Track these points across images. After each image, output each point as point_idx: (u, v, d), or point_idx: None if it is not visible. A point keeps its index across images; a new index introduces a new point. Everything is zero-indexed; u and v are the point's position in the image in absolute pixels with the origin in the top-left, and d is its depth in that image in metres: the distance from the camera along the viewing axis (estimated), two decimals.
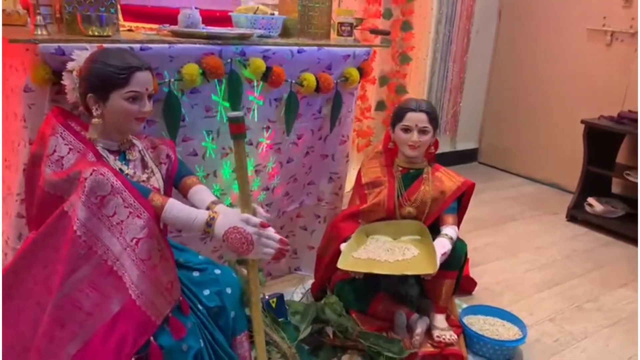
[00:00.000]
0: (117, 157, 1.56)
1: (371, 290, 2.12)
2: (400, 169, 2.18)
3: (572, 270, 2.91)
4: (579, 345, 2.24)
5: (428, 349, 1.99)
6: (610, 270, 2.94)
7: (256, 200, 2.29)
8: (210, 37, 1.93)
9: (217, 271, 1.70)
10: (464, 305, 2.35)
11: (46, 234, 1.46)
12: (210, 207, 1.54)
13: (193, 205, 1.55)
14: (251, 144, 2.16)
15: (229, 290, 1.67)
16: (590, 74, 3.94)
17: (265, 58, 2.02)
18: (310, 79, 2.13)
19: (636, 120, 3.39)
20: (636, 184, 3.32)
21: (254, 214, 1.47)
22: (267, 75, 2.02)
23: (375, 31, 2.55)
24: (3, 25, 2.02)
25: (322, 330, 2.03)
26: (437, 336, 1.99)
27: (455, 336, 2.01)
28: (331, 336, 1.99)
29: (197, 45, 1.88)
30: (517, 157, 4.56)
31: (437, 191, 2.13)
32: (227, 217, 1.45)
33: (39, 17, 1.71)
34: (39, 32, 1.70)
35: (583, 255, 3.11)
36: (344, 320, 2.01)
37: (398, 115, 2.12)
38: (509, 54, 4.52)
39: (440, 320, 2.07)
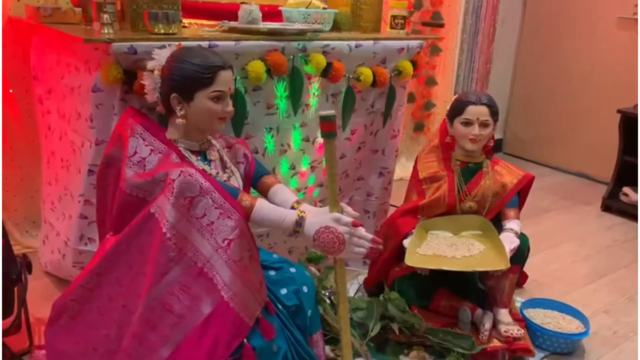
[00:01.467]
0: (198, 158, 1.53)
1: (432, 286, 2.11)
2: (458, 163, 2.16)
3: (617, 261, 2.90)
4: (637, 337, 2.23)
5: (496, 344, 1.98)
6: None
7: (311, 197, 2.27)
8: (272, 34, 1.91)
9: (292, 269, 1.69)
10: (518, 299, 2.34)
11: (131, 236, 1.45)
12: (294, 206, 1.53)
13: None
14: (307, 140, 2.14)
15: (305, 289, 1.66)
16: (620, 63, 3.92)
17: (324, 53, 2.00)
18: (367, 73, 2.10)
19: None
20: None
21: (342, 212, 1.46)
22: (327, 71, 2.00)
23: (428, 23, 2.53)
24: (59, 24, 2.00)
25: (386, 326, 2.01)
26: (505, 331, 1.98)
27: (522, 330, 2.00)
28: (397, 332, 1.98)
29: (261, 42, 1.85)
30: (542, 147, 4.54)
31: (498, 185, 2.11)
32: (317, 217, 1.43)
33: (106, 16, 1.68)
34: (107, 31, 1.68)
35: (624, 246, 3.10)
36: (409, 317, 1.99)
37: (457, 109, 2.09)
38: (534, 44, 4.49)
39: (504, 314, 2.06)
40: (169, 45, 1.53)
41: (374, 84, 2.14)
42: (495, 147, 4.85)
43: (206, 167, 1.52)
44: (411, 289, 2.11)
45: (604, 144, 3.99)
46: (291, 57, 1.92)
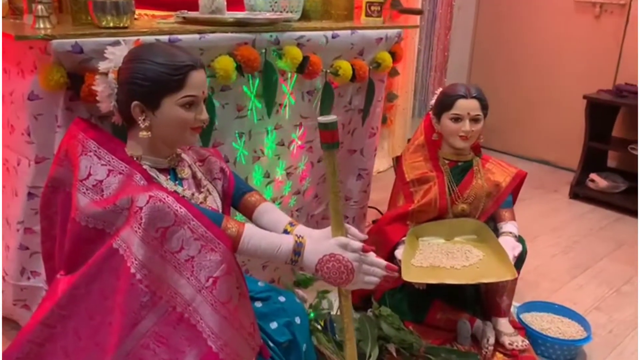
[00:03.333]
0: (167, 177, 1.27)
1: (426, 297, 1.93)
2: (447, 162, 1.99)
3: (596, 251, 2.83)
4: (634, 334, 2.15)
5: (500, 358, 1.82)
6: (631, 247, 2.88)
7: (287, 206, 2.04)
8: (239, 24, 1.65)
9: (282, 298, 1.46)
10: (514, 303, 2.21)
11: (90, 277, 1.18)
12: (287, 229, 1.29)
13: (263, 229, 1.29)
14: (282, 144, 1.91)
15: (298, 320, 1.44)
16: (580, 48, 3.87)
17: (299, 46, 1.76)
18: (345, 67, 1.89)
19: (635, 92, 3.34)
20: (636, 157, 3.29)
21: (346, 235, 1.24)
22: (303, 66, 1.76)
23: (405, 10, 2.33)
24: None
25: (381, 347, 1.82)
26: (510, 343, 1.83)
27: (526, 341, 1.86)
28: (394, 354, 1.79)
29: (230, 35, 1.60)
30: (503, 135, 4.46)
31: (491, 185, 1.95)
32: (319, 243, 1.20)
33: (40, 7, 1.38)
34: (42, 25, 1.38)
35: (601, 234, 3.04)
36: (405, 335, 1.81)
37: (445, 104, 1.91)
38: (491, 29, 4.39)
39: (505, 324, 1.90)
40: (125, 41, 1.25)
41: (353, 78, 1.93)
42: None
43: (178, 188, 1.26)
44: (404, 303, 1.92)
45: (566, 130, 3.96)
46: (263, 50, 1.68)
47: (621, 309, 2.32)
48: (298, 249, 1.20)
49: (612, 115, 3.62)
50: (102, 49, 1.33)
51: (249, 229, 1.20)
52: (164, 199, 1.13)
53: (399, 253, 1.83)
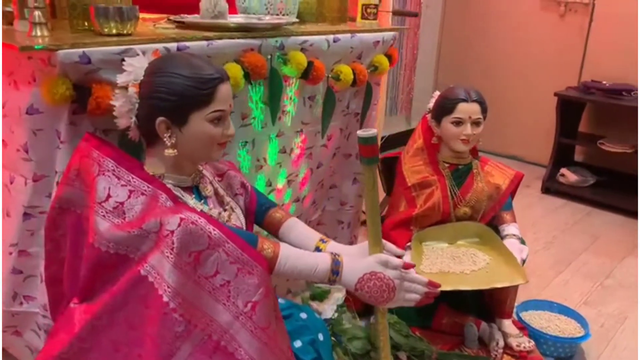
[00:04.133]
0: (192, 196, 1.20)
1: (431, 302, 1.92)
2: (447, 165, 1.98)
3: (575, 246, 2.91)
4: (624, 327, 2.21)
5: None
6: (607, 240, 2.98)
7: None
8: (243, 30, 1.58)
9: (303, 315, 1.42)
10: None
11: (114, 307, 1.10)
12: (319, 247, 1.25)
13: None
14: (284, 152, 1.85)
15: (321, 337, 1.41)
16: (545, 46, 3.96)
17: (302, 51, 1.71)
18: (347, 71, 1.84)
19: (603, 89, 3.45)
20: (604, 151, 3.40)
21: (383, 251, 1.20)
22: (307, 72, 1.71)
23: (399, 12, 2.30)
24: None
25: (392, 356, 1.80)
26: (517, 345, 1.85)
27: (532, 342, 1.88)
28: None
29: (236, 41, 1.53)
30: None
31: (491, 187, 1.96)
32: (358, 261, 1.16)
33: (37, 14, 1.28)
34: (40, 33, 1.28)
35: (576, 228, 3.13)
36: (415, 342, 1.80)
37: (446, 107, 1.90)
38: (459, 28, 4.44)
39: (510, 325, 1.92)
40: (143, 52, 1.16)
41: (353, 82, 1.89)
42: None
43: (204, 208, 1.19)
44: (410, 308, 1.87)
45: (534, 126, 4.06)
46: (269, 56, 1.61)
47: (607, 303, 2.39)
48: (336, 268, 1.15)
49: (579, 112, 3.73)
50: (111, 59, 1.25)
51: (285, 249, 1.15)
52: (196, 221, 1.06)
53: (407, 259, 1.80)
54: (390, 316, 1.85)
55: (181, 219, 1.06)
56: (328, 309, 1.82)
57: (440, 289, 1.70)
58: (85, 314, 1.14)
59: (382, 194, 2.88)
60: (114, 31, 1.35)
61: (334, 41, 1.80)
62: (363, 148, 1.09)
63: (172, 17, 1.70)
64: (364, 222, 2.61)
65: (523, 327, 1.99)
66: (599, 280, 2.57)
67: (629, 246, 2.92)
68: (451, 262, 1.81)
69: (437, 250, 1.89)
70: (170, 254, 1.05)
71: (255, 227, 1.37)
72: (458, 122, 1.88)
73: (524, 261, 1.79)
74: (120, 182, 1.12)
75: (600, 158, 3.69)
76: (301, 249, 1.23)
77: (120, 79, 1.12)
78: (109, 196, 1.11)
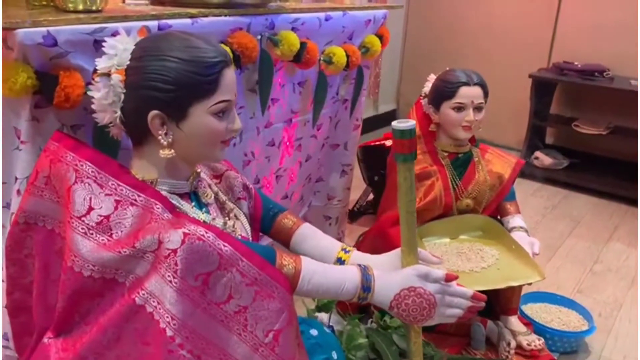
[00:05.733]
0: (191, 204, 1.00)
1: None
2: (446, 154, 1.84)
3: (559, 231, 2.85)
4: (621, 315, 2.16)
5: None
6: (589, 223, 2.94)
7: None
8: (226, 6, 1.38)
9: (314, 332, 1.25)
10: None
11: (103, 344, 0.91)
12: (341, 257, 1.07)
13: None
14: (273, 144, 1.66)
15: (335, 355, 1.23)
16: (513, 28, 3.88)
17: (294, 30, 1.52)
18: (340, 53, 1.67)
19: (576, 70, 3.40)
20: (576, 133, 3.38)
21: (417, 260, 1.04)
22: (299, 54, 1.52)
23: None
24: None
25: None
26: (527, 344, 1.74)
27: (542, 339, 1.77)
28: None
29: (223, 18, 1.32)
30: None
31: (494, 177, 1.84)
32: (391, 275, 1.00)
33: None
34: None
35: (557, 213, 3.08)
36: (423, 347, 1.65)
37: (446, 92, 1.76)
38: (425, 10, 4.31)
39: (516, 323, 1.81)
40: (128, 32, 0.95)
41: (346, 66, 1.71)
42: (389, 118, 4.73)
43: (206, 217, 1.00)
44: None
45: (504, 110, 3.98)
46: (258, 37, 1.42)
47: (601, 290, 2.33)
48: (367, 284, 0.98)
49: (550, 94, 3.68)
50: (82, 40, 1.04)
51: (307, 264, 0.97)
52: (203, 236, 0.87)
53: None
54: (393, 320, 1.71)
55: (185, 235, 0.86)
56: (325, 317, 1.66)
57: None
58: (65, 352, 0.94)
59: (363, 185, 2.75)
60: (81, 7, 1.13)
61: (326, 19, 1.62)
62: (399, 143, 0.93)
63: None
64: (350, 216, 2.46)
65: (528, 322, 1.88)
66: (589, 266, 2.52)
67: (610, 229, 2.89)
68: (458, 260, 1.68)
69: (440, 246, 1.76)
70: (174, 277, 0.86)
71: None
72: (459, 108, 1.74)
73: (537, 255, 1.68)
74: (104, 191, 0.92)
75: (572, 140, 3.66)
76: (319, 260, 1.05)
77: (101, 64, 0.91)
78: (90, 209, 0.91)
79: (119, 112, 0.92)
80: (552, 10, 3.71)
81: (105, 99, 0.91)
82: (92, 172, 0.92)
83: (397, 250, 1.06)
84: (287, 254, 0.98)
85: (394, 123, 0.92)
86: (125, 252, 0.88)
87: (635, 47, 3.33)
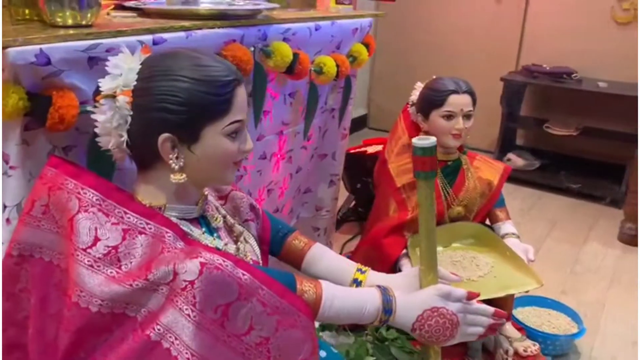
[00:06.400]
0: (202, 230, 0.95)
1: None
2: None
3: (537, 233, 2.89)
4: (606, 315, 2.20)
5: None
6: (564, 225, 2.99)
7: None
8: (217, 17, 1.33)
9: (322, 353, 1.21)
10: None
11: None
12: (358, 279, 1.04)
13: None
14: (264, 158, 1.62)
15: None
16: (482, 33, 3.93)
17: (285, 41, 1.48)
18: (330, 64, 1.63)
19: (545, 73, 3.47)
20: (546, 134, 3.44)
21: (437, 279, 1.01)
22: (292, 66, 1.48)
23: None
24: None
25: None
26: (524, 350, 1.74)
27: (537, 344, 1.78)
28: None
29: (217, 31, 1.27)
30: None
31: (483, 184, 1.84)
32: (412, 295, 0.97)
33: None
34: None
35: (533, 214, 3.13)
36: (420, 358, 1.64)
37: (436, 100, 1.75)
38: (395, 16, 4.32)
39: (511, 329, 1.81)
40: (129, 47, 0.89)
41: (337, 75, 1.68)
42: (359, 123, 4.73)
43: (218, 243, 0.95)
44: None
45: (475, 113, 4.01)
46: (251, 48, 1.37)
47: (583, 291, 2.37)
48: (388, 306, 0.95)
49: (520, 96, 3.75)
50: (76, 58, 0.98)
51: (328, 288, 0.94)
52: (221, 265, 0.83)
53: (407, 269, 1.64)
54: (390, 332, 1.69)
55: (202, 265, 0.81)
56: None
57: None
58: None
59: (345, 192, 2.72)
60: (70, 21, 1.06)
61: (316, 29, 1.59)
62: (420, 160, 0.90)
63: (125, 3, 1.41)
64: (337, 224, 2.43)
65: (520, 327, 1.89)
66: (569, 267, 2.56)
67: (585, 229, 2.94)
68: (453, 269, 1.66)
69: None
70: (192, 311, 0.81)
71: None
72: (449, 116, 1.74)
73: (532, 261, 1.68)
74: (110, 220, 0.86)
75: (542, 141, 3.73)
76: (334, 282, 1.02)
77: (105, 85, 0.85)
78: (96, 239, 0.85)
79: (125, 136, 0.86)
80: (519, 15, 3.78)
81: (110, 122, 0.85)
82: (97, 200, 0.86)
83: (414, 269, 1.04)
84: (306, 279, 0.94)
85: (415, 140, 0.90)
86: (137, 285, 0.82)
87: (600, 48, 3.43)
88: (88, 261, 0.84)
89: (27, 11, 1.11)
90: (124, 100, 0.84)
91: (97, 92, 0.98)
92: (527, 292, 1.66)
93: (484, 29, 3.91)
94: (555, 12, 3.61)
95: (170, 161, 0.86)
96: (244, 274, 0.84)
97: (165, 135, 0.85)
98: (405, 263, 1.68)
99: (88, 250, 0.84)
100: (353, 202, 2.68)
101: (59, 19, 1.05)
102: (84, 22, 1.07)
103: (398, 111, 4.40)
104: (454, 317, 0.96)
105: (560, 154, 3.66)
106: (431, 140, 0.90)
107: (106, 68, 0.86)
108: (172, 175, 0.87)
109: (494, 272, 1.65)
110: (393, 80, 4.44)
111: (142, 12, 1.36)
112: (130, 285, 0.82)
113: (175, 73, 0.84)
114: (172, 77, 0.83)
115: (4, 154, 1.00)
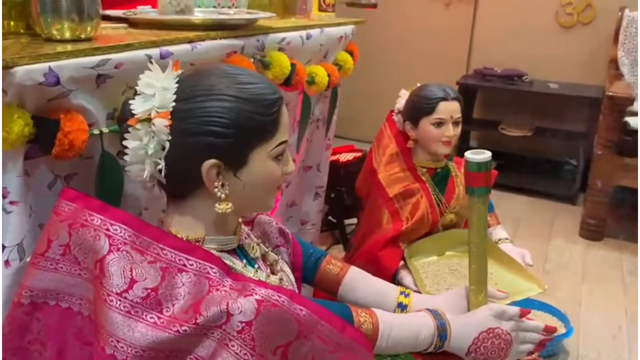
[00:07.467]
0: (244, 262, 0.86)
1: None
2: (425, 170, 1.81)
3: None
4: (584, 312, 2.25)
5: None
6: (528, 223, 3.07)
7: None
8: (211, 27, 1.24)
9: None
10: None
11: None
12: (402, 302, 0.98)
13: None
14: None
15: None
16: (432, 37, 3.98)
17: (280, 50, 1.41)
18: (321, 73, 1.58)
19: (497, 75, 3.56)
20: (500, 135, 3.54)
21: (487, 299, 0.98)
22: (289, 77, 1.41)
23: (356, 4, 2.05)
24: None
25: None
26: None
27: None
28: None
29: (220, 42, 1.19)
30: (364, 125, 4.46)
31: None
32: (466, 318, 0.93)
33: None
34: None
35: (503, 220, 3.17)
36: None
37: (425, 108, 1.72)
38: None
39: None
40: (159, 63, 0.79)
41: (327, 85, 1.62)
42: None
43: (260, 275, 0.86)
44: None
45: None
46: (251, 59, 1.29)
47: (558, 288, 2.42)
48: (442, 331, 0.91)
49: (472, 99, 3.83)
50: (85, 76, 0.87)
51: (383, 317, 0.88)
52: (277, 301, 0.75)
53: (409, 283, 1.60)
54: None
55: (259, 303, 0.73)
56: None
57: None
58: None
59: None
60: (68, 34, 0.95)
61: (307, 38, 1.53)
62: (474, 176, 0.86)
63: (109, 13, 1.30)
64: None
65: None
66: (540, 266, 2.61)
67: (547, 226, 3.03)
68: (453, 278, 1.64)
69: (431, 265, 1.72)
70: (251, 355, 0.73)
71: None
72: (439, 123, 1.72)
73: (530, 265, 1.69)
74: (147, 259, 0.76)
75: (495, 142, 3.82)
76: (377, 307, 0.96)
77: (138, 108, 0.75)
78: (132, 281, 0.75)
79: (162, 163, 0.76)
80: (468, 19, 3.86)
81: (144, 149, 0.75)
82: (129, 236, 0.76)
83: (459, 290, 1.00)
84: (361, 309, 0.87)
85: (468, 154, 0.86)
86: (184, 330, 0.73)
87: (549, 51, 3.55)
88: (124, 307, 0.74)
89: (12, 23, 0.98)
90: (161, 123, 0.74)
91: (111, 114, 0.88)
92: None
93: (434, 34, 3.97)
94: (502, 16, 3.70)
95: (216, 189, 0.77)
96: (301, 310, 0.77)
97: (212, 161, 0.76)
98: (404, 275, 1.64)
99: (124, 294, 0.74)
100: (325, 212, 2.62)
101: (55, 32, 0.94)
102: (83, 36, 0.96)
103: (354, 116, 4.40)
104: (508, 337, 0.93)
105: (513, 154, 3.76)
106: (486, 154, 0.86)
107: (136, 87, 0.76)
108: (217, 205, 0.78)
109: (494, 279, 1.63)
110: (347, 89, 4.41)
111: (128, 22, 1.25)
112: (178, 331, 0.73)
113: (221, 92, 0.75)
114: (217, 96, 0.75)
115: (3, 189, 0.87)
